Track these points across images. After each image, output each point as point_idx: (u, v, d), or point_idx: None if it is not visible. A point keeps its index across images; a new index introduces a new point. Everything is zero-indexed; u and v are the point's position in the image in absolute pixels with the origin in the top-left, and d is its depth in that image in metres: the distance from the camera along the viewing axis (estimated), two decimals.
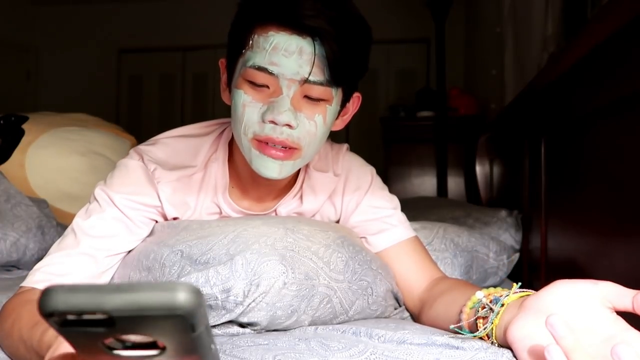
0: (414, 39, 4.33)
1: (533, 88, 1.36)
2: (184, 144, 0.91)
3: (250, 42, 0.77)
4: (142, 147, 0.90)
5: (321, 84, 0.76)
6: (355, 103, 0.88)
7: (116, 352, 0.33)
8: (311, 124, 0.78)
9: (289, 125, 0.76)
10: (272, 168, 0.79)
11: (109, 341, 0.33)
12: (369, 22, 0.81)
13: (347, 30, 0.75)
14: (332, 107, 0.80)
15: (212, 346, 0.35)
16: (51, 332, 0.57)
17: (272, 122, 0.76)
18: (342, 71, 0.76)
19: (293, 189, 0.93)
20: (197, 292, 0.30)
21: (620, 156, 0.87)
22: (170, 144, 0.91)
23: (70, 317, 0.30)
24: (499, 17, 2.52)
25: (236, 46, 0.80)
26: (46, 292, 0.30)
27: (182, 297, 0.29)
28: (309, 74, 0.75)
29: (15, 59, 4.69)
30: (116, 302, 0.29)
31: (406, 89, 4.18)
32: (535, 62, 1.80)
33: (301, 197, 0.94)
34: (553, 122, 1.26)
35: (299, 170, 0.92)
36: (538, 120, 1.39)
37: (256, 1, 0.78)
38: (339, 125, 0.87)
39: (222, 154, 0.91)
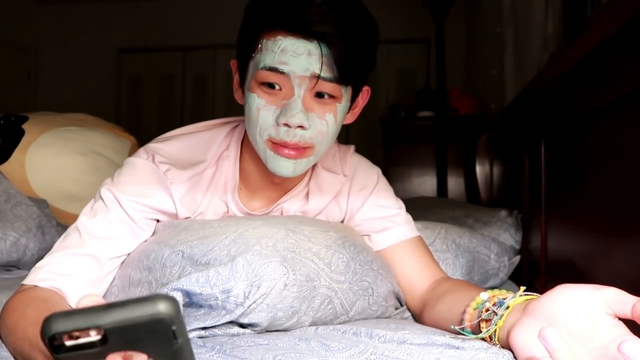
0: (414, 39, 4.33)
1: (533, 88, 1.36)
2: (195, 140, 0.91)
3: (259, 45, 0.78)
4: (152, 145, 0.90)
5: (331, 80, 0.77)
6: (364, 96, 0.89)
7: None
8: (323, 123, 0.80)
9: (301, 127, 0.78)
10: (287, 167, 0.81)
11: None
12: None
13: (352, 31, 0.76)
14: (342, 105, 0.81)
15: None
16: None
17: (286, 124, 0.77)
18: (350, 70, 0.78)
19: (299, 184, 0.93)
20: (174, 301, 0.34)
21: (620, 156, 0.87)
22: (182, 140, 0.91)
23: (68, 342, 0.33)
24: (499, 17, 2.52)
25: (246, 49, 0.81)
26: (46, 320, 0.33)
27: (162, 305, 0.33)
28: (320, 70, 0.76)
29: (15, 59, 4.69)
30: (108, 317, 0.33)
31: (406, 89, 4.18)
32: (535, 62, 1.79)
33: (307, 195, 0.94)
34: (553, 122, 1.26)
35: None
36: (538, 120, 1.39)
37: (263, 7, 0.79)
38: (350, 118, 0.89)
39: (233, 152, 0.91)
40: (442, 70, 3.18)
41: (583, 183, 1.05)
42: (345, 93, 0.81)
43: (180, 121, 4.59)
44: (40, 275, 0.77)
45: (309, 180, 0.94)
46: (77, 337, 0.33)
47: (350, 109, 0.86)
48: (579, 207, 1.07)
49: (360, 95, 0.88)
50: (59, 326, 0.33)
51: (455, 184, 3.27)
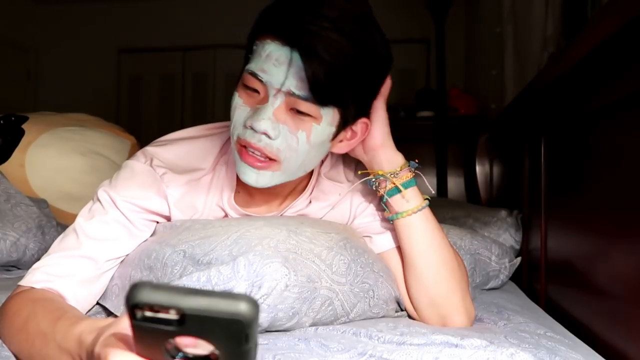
0: (414, 39, 4.33)
1: (533, 88, 1.36)
2: (194, 146, 0.91)
3: (253, 48, 0.78)
4: (150, 148, 0.90)
5: (306, 99, 0.74)
6: (362, 129, 0.83)
7: (176, 359, 0.36)
8: (292, 138, 0.76)
9: (267, 134, 0.75)
10: (250, 175, 0.79)
11: (171, 346, 0.36)
12: None
13: (343, 51, 0.71)
14: (320, 127, 0.76)
15: None
16: (79, 327, 0.56)
17: (251, 127, 0.76)
18: (329, 91, 0.73)
19: (302, 195, 0.92)
20: (256, 305, 0.34)
21: (620, 156, 0.87)
22: (180, 145, 0.90)
23: (148, 313, 0.34)
24: (499, 17, 2.52)
25: (246, 52, 0.81)
26: (134, 287, 0.34)
27: (244, 305, 0.33)
28: (295, 87, 0.73)
29: (15, 59, 4.68)
30: (191, 302, 0.33)
31: (406, 89, 4.18)
32: (535, 62, 1.79)
33: (309, 201, 0.93)
34: (553, 122, 1.27)
35: (310, 177, 0.92)
36: (538, 120, 1.39)
37: (265, 11, 0.78)
38: (344, 148, 0.84)
39: (231, 157, 0.90)
40: (442, 70, 3.18)
41: (583, 183, 1.05)
42: (327, 115, 0.76)
43: (180, 121, 4.60)
44: (37, 277, 0.77)
45: (311, 192, 0.93)
46: (157, 311, 0.34)
47: (335, 135, 0.80)
48: (579, 207, 1.07)
49: (359, 126, 0.82)
50: (144, 297, 0.33)
51: (455, 184, 3.27)
